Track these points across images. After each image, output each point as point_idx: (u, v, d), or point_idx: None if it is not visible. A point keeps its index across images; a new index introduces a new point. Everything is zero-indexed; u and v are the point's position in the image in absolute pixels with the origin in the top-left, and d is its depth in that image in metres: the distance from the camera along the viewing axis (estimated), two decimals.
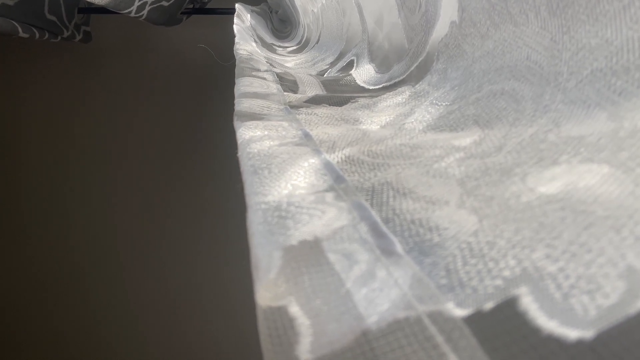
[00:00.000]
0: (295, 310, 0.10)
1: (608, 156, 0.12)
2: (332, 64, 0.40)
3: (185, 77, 0.86)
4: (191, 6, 0.72)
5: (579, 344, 0.09)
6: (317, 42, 0.47)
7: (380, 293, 0.10)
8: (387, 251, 0.11)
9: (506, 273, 0.11)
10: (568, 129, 0.14)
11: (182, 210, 0.91)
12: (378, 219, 0.13)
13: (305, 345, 0.10)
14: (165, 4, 0.63)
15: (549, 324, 0.09)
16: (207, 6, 0.74)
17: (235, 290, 0.93)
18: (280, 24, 0.62)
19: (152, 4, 0.61)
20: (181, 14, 0.71)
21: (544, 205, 0.12)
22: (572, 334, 0.09)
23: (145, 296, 0.94)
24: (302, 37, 0.50)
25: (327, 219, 0.13)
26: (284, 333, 0.10)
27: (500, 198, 0.13)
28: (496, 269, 0.11)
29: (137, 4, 0.59)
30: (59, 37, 0.69)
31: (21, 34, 0.61)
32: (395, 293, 0.10)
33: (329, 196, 0.14)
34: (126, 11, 0.59)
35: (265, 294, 0.11)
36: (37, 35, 0.64)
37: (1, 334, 0.96)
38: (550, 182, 0.13)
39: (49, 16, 0.65)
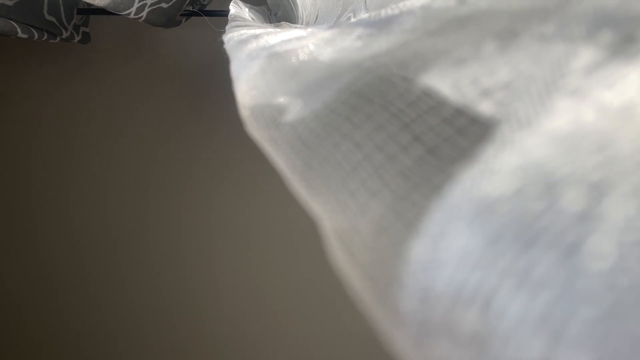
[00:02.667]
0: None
1: None
2: None
3: (184, 78, 0.86)
4: (190, 8, 0.72)
5: None
6: (315, 22, 0.47)
7: None
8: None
9: None
10: None
11: (182, 212, 0.91)
12: None
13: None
14: (164, 5, 0.63)
15: None
16: (207, 8, 0.74)
17: (238, 292, 0.92)
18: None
19: (151, 5, 0.61)
20: (180, 15, 0.71)
21: None
22: None
23: (147, 298, 0.93)
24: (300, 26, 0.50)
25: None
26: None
27: None
28: None
29: (136, 5, 0.59)
30: (58, 38, 0.69)
31: (20, 34, 0.61)
32: None
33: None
34: (125, 12, 0.59)
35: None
36: (36, 35, 0.64)
37: (1, 334, 0.95)
38: None
39: (47, 17, 0.65)
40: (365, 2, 0.43)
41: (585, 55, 0.15)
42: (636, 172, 0.10)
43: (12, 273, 0.94)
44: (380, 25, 0.24)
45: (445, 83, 0.17)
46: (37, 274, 0.94)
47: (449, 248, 0.11)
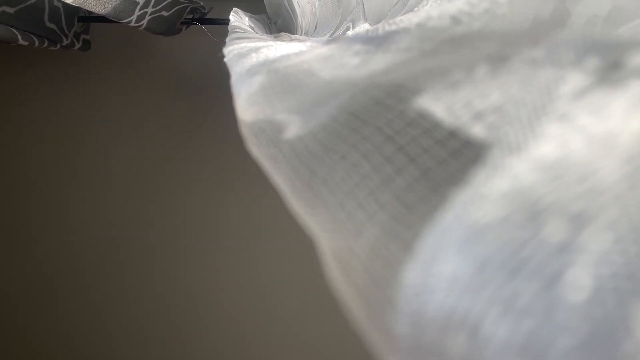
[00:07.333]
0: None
1: None
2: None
3: (183, 86, 0.87)
4: (191, 16, 0.72)
5: None
6: (314, 31, 0.47)
7: None
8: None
9: None
10: None
11: (180, 217, 0.91)
12: None
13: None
14: (165, 14, 0.64)
15: None
16: (207, 17, 0.74)
17: (241, 295, 0.93)
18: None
19: (152, 13, 0.62)
20: (181, 23, 0.72)
21: None
22: None
23: (147, 300, 0.94)
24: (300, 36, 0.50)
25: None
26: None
27: None
28: None
29: (137, 13, 0.59)
30: (59, 45, 0.69)
31: (20, 41, 0.62)
32: None
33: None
34: (126, 20, 0.59)
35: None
36: (37, 42, 0.65)
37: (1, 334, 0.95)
38: None
39: (48, 24, 0.65)
40: (364, 12, 0.43)
41: (573, 80, 0.16)
42: (613, 206, 0.10)
43: (15, 275, 0.94)
44: (378, 42, 0.25)
45: (439, 106, 0.17)
46: (38, 275, 0.94)
47: (439, 274, 0.11)
